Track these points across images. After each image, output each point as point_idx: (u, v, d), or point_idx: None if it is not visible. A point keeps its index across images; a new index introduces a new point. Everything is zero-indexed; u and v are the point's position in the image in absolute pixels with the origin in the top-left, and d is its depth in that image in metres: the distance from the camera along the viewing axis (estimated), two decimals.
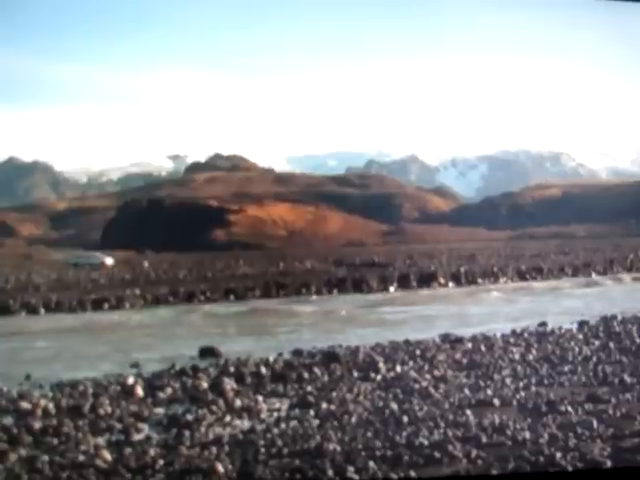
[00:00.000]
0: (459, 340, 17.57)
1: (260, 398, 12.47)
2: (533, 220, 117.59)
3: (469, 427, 10.02)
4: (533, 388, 12.35)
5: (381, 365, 14.51)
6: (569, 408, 10.83)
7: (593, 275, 41.87)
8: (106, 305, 31.69)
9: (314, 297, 33.65)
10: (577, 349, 15.82)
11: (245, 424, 10.98)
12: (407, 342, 17.69)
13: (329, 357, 15.85)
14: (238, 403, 12.09)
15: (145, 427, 11.01)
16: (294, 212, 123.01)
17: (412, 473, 8.41)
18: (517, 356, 15.23)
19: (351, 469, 8.52)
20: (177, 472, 8.79)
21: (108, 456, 9.40)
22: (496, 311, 25.74)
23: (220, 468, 8.71)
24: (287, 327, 23.45)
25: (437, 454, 8.94)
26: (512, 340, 17.47)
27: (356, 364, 15.02)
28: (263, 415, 11.45)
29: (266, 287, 35.76)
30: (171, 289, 35.25)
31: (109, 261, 62.77)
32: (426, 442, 9.42)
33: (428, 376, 13.53)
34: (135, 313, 28.99)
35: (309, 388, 13.14)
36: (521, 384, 12.64)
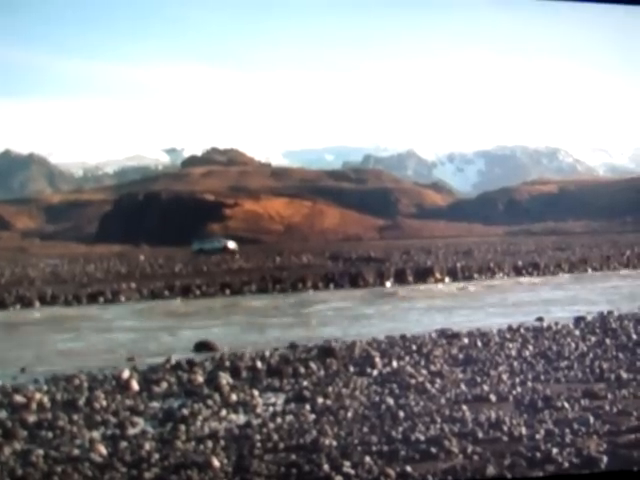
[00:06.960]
0: (455, 335, 17.53)
1: (256, 392, 12.43)
2: (530, 216, 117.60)
3: (465, 422, 10.00)
4: (529, 384, 12.32)
5: (377, 360, 14.48)
6: (565, 404, 10.82)
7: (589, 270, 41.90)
8: (101, 299, 31.66)
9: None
10: (574, 345, 15.78)
11: (241, 418, 10.95)
12: (403, 337, 17.67)
13: (325, 352, 15.81)
14: (234, 397, 12.05)
15: (140, 421, 10.97)
16: (290, 207, 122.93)
17: (408, 468, 8.38)
18: (513, 352, 15.20)
19: (347, 464, 8.49)
20: (172, 466, 8.75)
21: (103, 450, 9.36)
22: None
23: (216, 462, 8.67)
24: None
25: (433, 449, 8.92)
26: (508, 336, 17.44)
27: (352, 359, 14.99)
28: (259, 410, 11.41)
29: (262, 281, 35.77)
30: (167, 283, 35.20)
31: (232, 244, 62.63)
32: (422, 437, 9.40)
33: (424, 371, 13.50)
34: None
35: (305, 383, 13.10)
36: (517, 380, 12.62)
